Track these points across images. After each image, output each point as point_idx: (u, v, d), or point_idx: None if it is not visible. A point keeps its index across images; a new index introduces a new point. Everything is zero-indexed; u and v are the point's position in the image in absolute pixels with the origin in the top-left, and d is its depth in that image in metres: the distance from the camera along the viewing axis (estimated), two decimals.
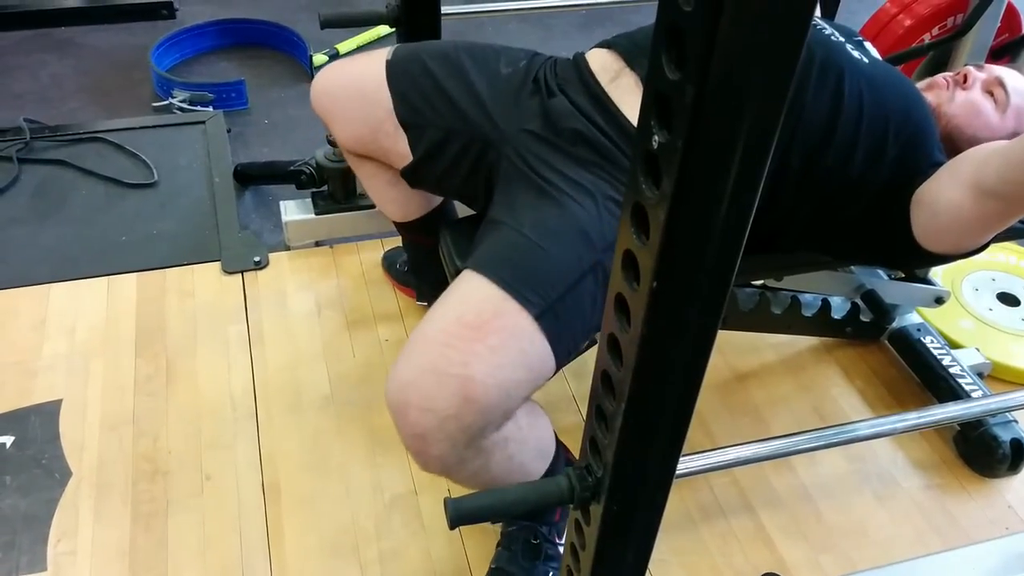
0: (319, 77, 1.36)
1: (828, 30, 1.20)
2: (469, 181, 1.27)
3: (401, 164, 1.31)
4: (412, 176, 1.31)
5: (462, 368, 0.95)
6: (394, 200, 1.49)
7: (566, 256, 1.03)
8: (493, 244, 1.08)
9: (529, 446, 1.10)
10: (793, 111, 1.09)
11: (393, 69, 1.28)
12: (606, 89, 1.15)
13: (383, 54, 1.30)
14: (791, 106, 1.10)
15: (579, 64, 1.21)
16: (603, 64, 1.18)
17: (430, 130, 1.25)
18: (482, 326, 0.97)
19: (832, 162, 1.12)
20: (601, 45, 1.22)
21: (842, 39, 1.19)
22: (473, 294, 1.01)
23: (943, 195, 1.06)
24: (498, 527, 1.33)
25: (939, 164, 1.12)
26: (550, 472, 1.15)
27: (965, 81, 1.23)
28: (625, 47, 1.19)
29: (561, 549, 1.29)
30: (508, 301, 0.99)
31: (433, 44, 1.33)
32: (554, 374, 1.05)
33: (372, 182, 1.47)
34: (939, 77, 1.26)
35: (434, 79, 1.25)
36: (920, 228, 1.10)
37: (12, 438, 1.46)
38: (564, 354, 1.04)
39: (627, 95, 1.14)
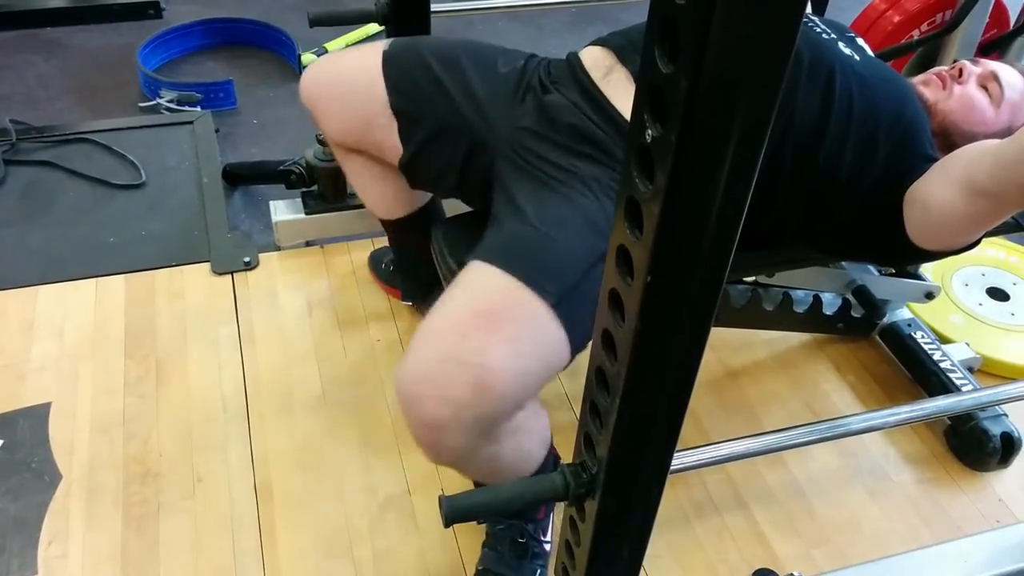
0: (309, 70, 1.35)
1: (819, 27, 1.20)
2: (464, 180, 1.27)
3: (395, 157, 1.30)
4: (409, 171, 1.31)
5: (479, 357, 0.94)
6: (381, 196, 1.47)
7: (576, 245, 1.03)
8: (500, 236, 1.07)
9: (535, 435, 1.11)
10: (784, 112, 1.09)
11: (389, 60, 1.27)
12: (598, 84, 1.15)
13: (379, 46, 1.29)
14: (782, 107, 1.11)
15: (572, 62, 1.21)
16: (595, 61, 1.19)
17: (425, 123, 1.25)
18: (498, 315, 0.97)
19: (824, 162, 1.12)
20: (595, 43, 1.23)
21: (834, 35, 1.19)
22: (486, 284, 1.00)
23: (935, 194, 1.06)
24: None
25: (931, 159, 1.12)
26: (544, 463, 1.15)
27: (960, 75, 1.23)
28: (617, 43, 1.19)
29: (547, 547, 1.29)
30: (524, 291, 0.98)
31: (431, 39, 1.33)
32: (568, 363, 1.04)
33: (359, 178, 1.46)
34: (934, 73, 1.26)
35: (431, 72, 1.25)
36: (913, 226, 1.10)
37: (1, 441, 1.45)
38: (580, 342, 1.03)
39: (619, 89, 1.14)
